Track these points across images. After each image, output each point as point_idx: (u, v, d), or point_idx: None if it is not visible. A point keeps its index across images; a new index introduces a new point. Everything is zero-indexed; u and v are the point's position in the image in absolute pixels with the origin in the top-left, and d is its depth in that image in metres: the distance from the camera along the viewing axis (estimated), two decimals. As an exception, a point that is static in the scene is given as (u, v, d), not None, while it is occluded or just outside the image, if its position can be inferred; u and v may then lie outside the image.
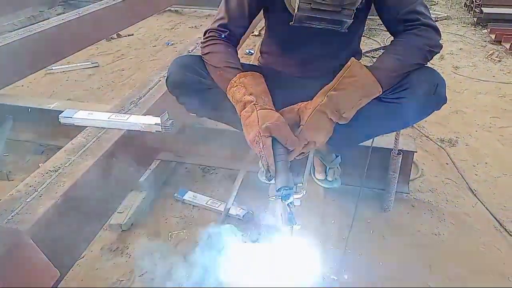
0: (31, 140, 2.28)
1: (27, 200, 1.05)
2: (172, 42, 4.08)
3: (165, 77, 1.25)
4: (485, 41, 4.14)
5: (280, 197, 0.99)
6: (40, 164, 2.18)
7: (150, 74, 3.16)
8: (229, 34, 1.24)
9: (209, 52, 1.21)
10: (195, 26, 4.63)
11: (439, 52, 1.18)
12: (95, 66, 3.47)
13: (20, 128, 2.25)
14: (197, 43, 2.26)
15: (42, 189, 1.09)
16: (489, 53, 3.77)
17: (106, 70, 3.44)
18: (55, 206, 1.04)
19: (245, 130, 1.08)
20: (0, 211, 1.02)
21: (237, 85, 1.11)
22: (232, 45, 1.24)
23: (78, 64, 3.44)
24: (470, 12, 4.98)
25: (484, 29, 4.45)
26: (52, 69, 3.29)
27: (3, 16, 4.57)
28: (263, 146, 1.01)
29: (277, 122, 1.04)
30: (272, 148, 1.03)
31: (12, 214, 1.00)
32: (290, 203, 0.99)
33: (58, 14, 5.01)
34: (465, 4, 5.32)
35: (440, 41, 1.16)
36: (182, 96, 1.27)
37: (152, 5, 3.88)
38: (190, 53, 1.97)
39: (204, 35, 1.26)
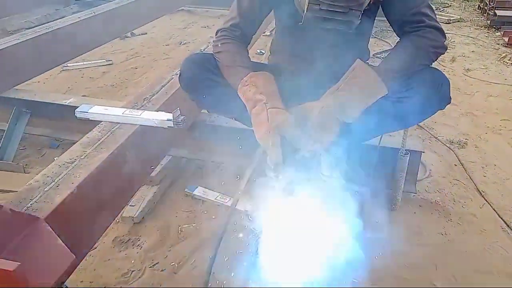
0: (46, 134, 2.35)
1: (45, 190, 1.09)
2: (184, 41, 4.13)
3: (178, 74, 1.29)
4: (498, 44, 4.11)
5: (287, 192, 1.02)
6: (55, 158, 2.25)
7: (163, 73, 3.23)
8: (240, 34, 1.28)
9: (221, 51, 1.25)
10: (207, 26, 4.68)
11: (443, 53, 1.20)
12: (109, 64, 3.53)
13: (36, 122, 2.32)
14: (209, 42, 2.30)
15: (59, 179, 1.14)
16: (502, 56, 3.74)
17: (120, 68, 3.50)
18: (71, 196, 1.08)
19: (255, 128, 1.11)
20: (19, 200, 1.06)
21: (248, 84, 1.15)
22: (243, 45, 1.28)
23: (92, 62, 3.51)
24: (484, 14, 4.94)
25: (497, 32, 4.42)
26: (67, 66, 3.36)
27: (20, 14, 4.69)
28: (272, 143, 1.05)
29: (286, 121, 1.07)
30: (281, 146, 1.06)
31: (31, 202, 1.05)
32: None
33: (73, 13, 5.11)
34: (478, 6, 5.29)
35: (445, 42, 1.19)
36: (194, 93, 1.31)
37: (166, 4, 3.94)
38: (202, 52, 2.01)
39: (216, 34, 1.30)
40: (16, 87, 2.35)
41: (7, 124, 2.22)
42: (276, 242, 1.11)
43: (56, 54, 2.58)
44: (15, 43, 2.30)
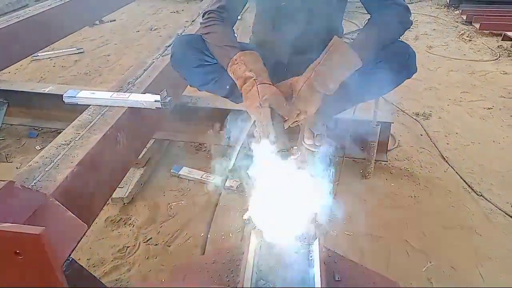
0: (25, 124, 2.34)
1: (46, 170, 1.14)
2: (155, 27, 4.12)
3: (170, 55, 1.36)
4: (457, 22, 4.34)
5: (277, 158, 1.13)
6: (36, 147, 2.27)
7: (136, 59, 3.24)
8: (227, 15, 1.36)
9: (209, 32, 1.33)
10: (177, 11, 4.68)
11: (409, 28, 1.32)
12: (80, 52, 3.50)
13: (14, 112, 2.31)
14: (185, 27, 2.35)
15: (58, 159, 1.19)
16: (461, 33, 3.97)
17: (91, 56, 3.48)
18: (72, 174, 1.14)
19: (246, 102, 1.21)
20: (22, 179, 1.11)
21: (237, 63, 1.24)
22: (229, 25, 1.37)
23: (63, 50, 3.47)
24: (443, -7, 5.17)
25: (456, 10, 4.66)
26: (37, 55, 3.31)
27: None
28: (263, 115, 1.15)
29: (274, 95, 1.18)
30: (271, 117, 1.17)
31: (34, 181, 1.10)
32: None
33: (36, 1, 4.97)
34: (438, -14, 5.51)
35: (410, 18, 1.31)
36: (185, 71, 1.39)
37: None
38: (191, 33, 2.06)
39: (203, 16, 1.37)
40: (-9, 78, 2.32)
41: (-15, 115, 2.20)
42: (264, 204, 1.19)
43: (28, 43, 2.54)
44: (-15, 33, 2.27)
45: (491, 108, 2.61)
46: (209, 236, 1.23)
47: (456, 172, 2.01)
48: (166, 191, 1.92)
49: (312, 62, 1.24)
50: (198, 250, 1.54)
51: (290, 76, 1.26)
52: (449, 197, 1.87)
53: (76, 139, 1.29)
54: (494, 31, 3.91)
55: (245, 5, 1.41)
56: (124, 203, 1.83)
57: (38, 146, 2.26)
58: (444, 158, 2.11)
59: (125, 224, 1.74)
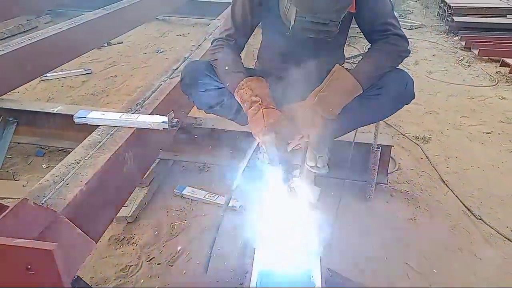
0: (33, 142, 2.39)
1: (56, 188, 1.18)
2: (162, 50, 4.22)
3: (180, 79, 1.43)
4: (456, 48, 4.44)
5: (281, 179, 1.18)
6: (42, 165, 2.31)
7: (143, 80, 3.32)
8: (234, 43, 1.43)
9: (218, 59, 1.41)
10: (183, 34, 4.79)
11: (407, 56, 1.39)
12: (88, 73, 3.58)
13: (22, 131, 2.37)
14: (192, 51, 2.43)
15: (68, 178, 1.23)
16: (460, 59, 4.05)
17: (99, 77, 3.55)
18: (81, 193, 1.18)
19: (252, 125, 1.27)
20: (33, 197, 1.15)
21: (244, 88, 1.30)
22: (237, 52, 1.44)
23: (71, 71, 3.55)
24: (443, 20, 5.29)
25: (455, 37, 4.76)
26: (46, 76, 3.39)
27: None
28: (268, 138, 1.20)
29: (279, 119, 1.23)
30: (275, 141, 1.22)
31: (45, 199, 1.14)
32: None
33: (45, 23, 5.11)
34: (438, 13, 5.66)
35: (408, 47, 1.38)
36: (194, 95, 1.46)
37: (142, 14, 4.02)
38: (193, 59, 2.13)
39: (212, 44, 1.45)
40: (1, 97, 2.38)
41: (-6, 134, 2.26)
42: (266, 225, 1.23)
43: (39, 64, 2.62)
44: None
45: (490, 133, 2.65)
46: (211, 255, 1.25)
47: (456, 196, 2.03)
48: (169, 211, 1.95)
49: (315, 88, 1.29)
50: (201, 269, 1.55)
51: (294, 101, 1.32)
52: (449, 220, 1.89)
53: (86, 158, 1.34)
54: (493, 57, 3.99)
55: (252, 33, 1.48)
56: (128, 222, 1.85)
57: (44, 165, 2.30)
58: (444, 182, 2.14)
59: (128, 243, 1.76)
